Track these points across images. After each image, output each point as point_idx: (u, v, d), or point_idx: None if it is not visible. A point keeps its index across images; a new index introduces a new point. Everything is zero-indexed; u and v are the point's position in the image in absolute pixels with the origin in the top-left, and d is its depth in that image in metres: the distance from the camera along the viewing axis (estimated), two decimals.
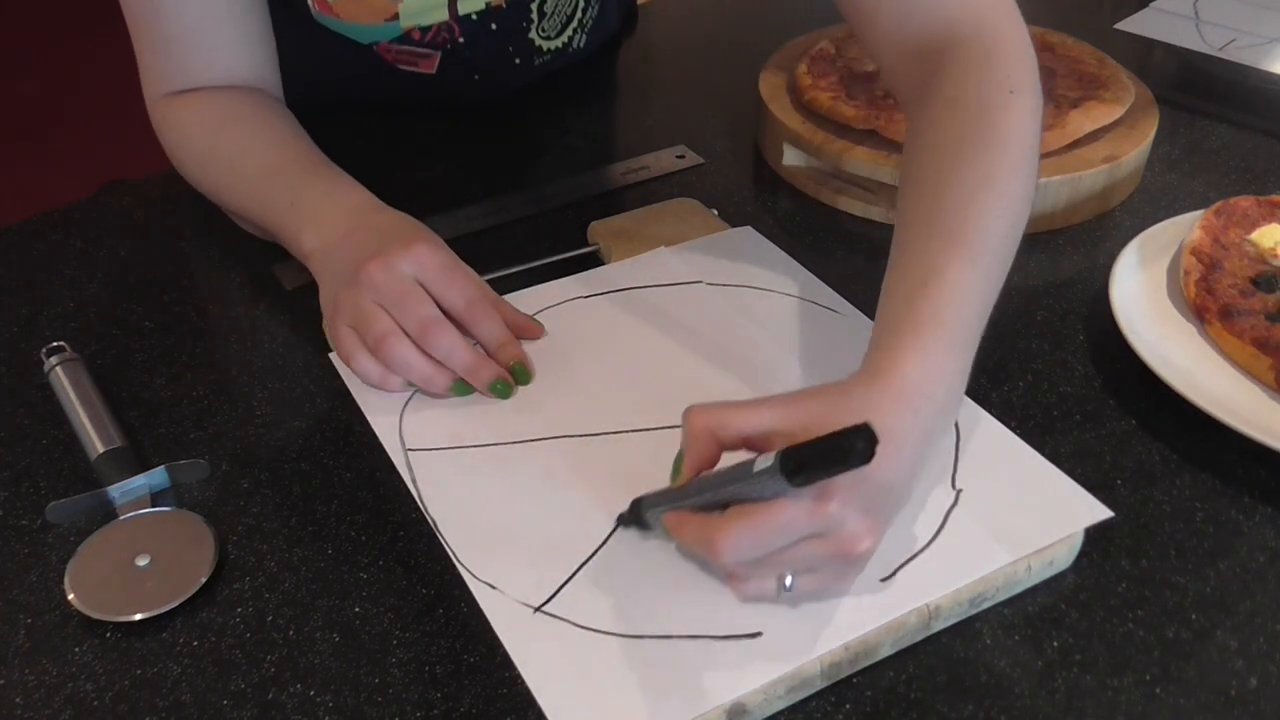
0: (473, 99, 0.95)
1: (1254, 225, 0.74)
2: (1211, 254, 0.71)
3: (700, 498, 0.48)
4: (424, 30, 0.87)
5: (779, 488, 0.43)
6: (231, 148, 0.76)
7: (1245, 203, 0.75)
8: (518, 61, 0.94)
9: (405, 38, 0.87)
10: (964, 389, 0.53)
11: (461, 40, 0.89)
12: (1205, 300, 0.68)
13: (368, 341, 0.61)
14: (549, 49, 0.95)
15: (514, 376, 0.63)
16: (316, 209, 0.69)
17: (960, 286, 0.53)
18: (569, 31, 0.96)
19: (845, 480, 0.44)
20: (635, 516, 0.53)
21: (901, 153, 0.65)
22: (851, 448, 0.41)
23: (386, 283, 0.61)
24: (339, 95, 0.95)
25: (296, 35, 0.84)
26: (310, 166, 0.73)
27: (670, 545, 0.54)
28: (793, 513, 0.45)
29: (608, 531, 0.55)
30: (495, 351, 0.64)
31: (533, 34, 0.92)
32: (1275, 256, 0.72)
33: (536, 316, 0.69)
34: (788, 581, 0.48)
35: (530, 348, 0.67)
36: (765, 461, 0.44)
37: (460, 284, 0.64)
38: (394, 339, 0.61)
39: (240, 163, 0.75)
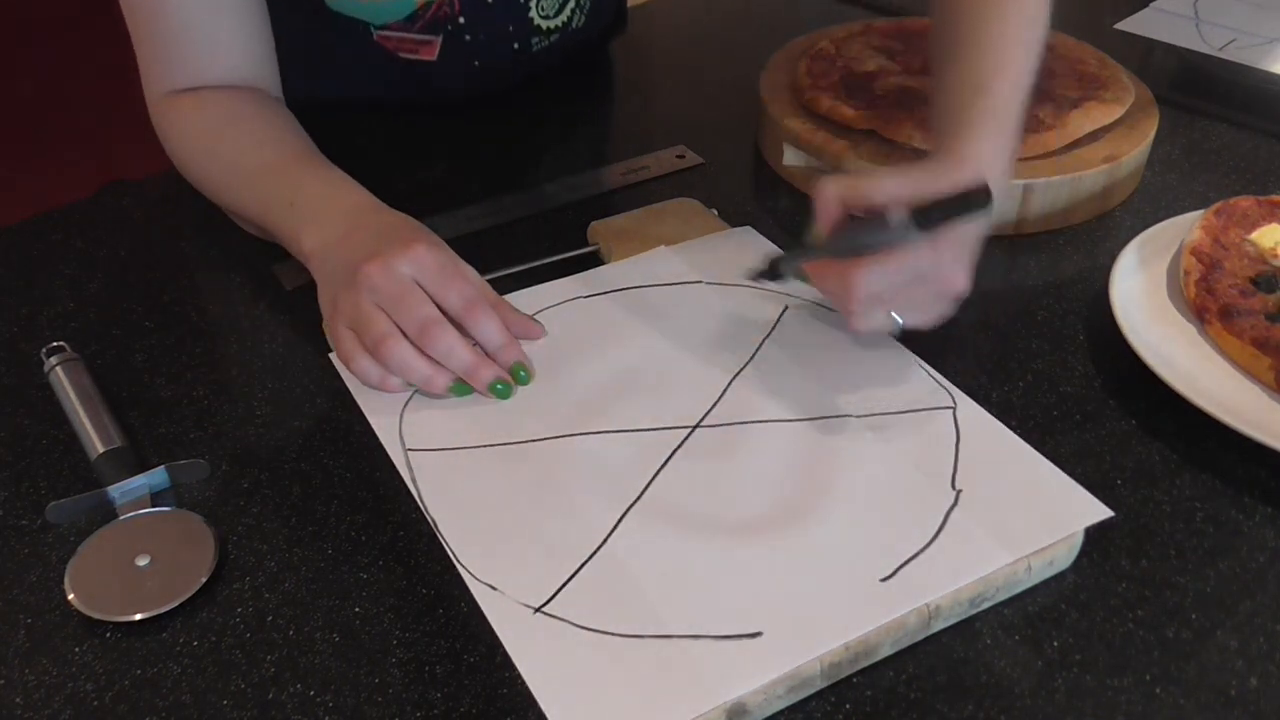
0: (473, 91, 0.95)
1: (1254, 225, 0.74)
2: (1211, 254, 0.71)
3: (834, 249, 0.60)
4: (427, 6, 0.87)
5: (906, 236, 0.56)
6: (232, 147, 0.76)
7: (1245, 203, 0.75)
8: (516, 46, 0.94)
9: (409, 20, 0.87)
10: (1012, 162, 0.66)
11: (462, 21, 0.88)
12: (1205, 300, 0.68)
13: (366, 343, 0.61)
14: (548, 28, 0.95)
15: (513, 377, 0.63)
16: (316, 209, 0.69)
17: (1007, 89, 0.66)
18: (568, 10, 0.95)
19: (951, 233, 0.58)
20: (772, 271, 0.63)
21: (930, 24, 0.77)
22: (975, 200, 0.56)
23: (385, 284, 0.61)
24: (339, 93, 0.95)
25: (297, 32, 0.84)
26: (310, 167, 0.73)
27: (671, 544, 0.54)
28: (914, 256, 0.58)
29: (608, 531, 0.55)
30: (495, 353, 0.64)
31: (532, 12, 0.92)
32: (1275, 256, 0.71)
33: (536, 316, 0.69)
34: (897, 318, 0.61)
35: (530, 348, 0.67)
36: (899, 215, 0.56)
37: (459, 284, 0.63)
38: (392, 340, 0.61)
39: (241, 162, 0.75)
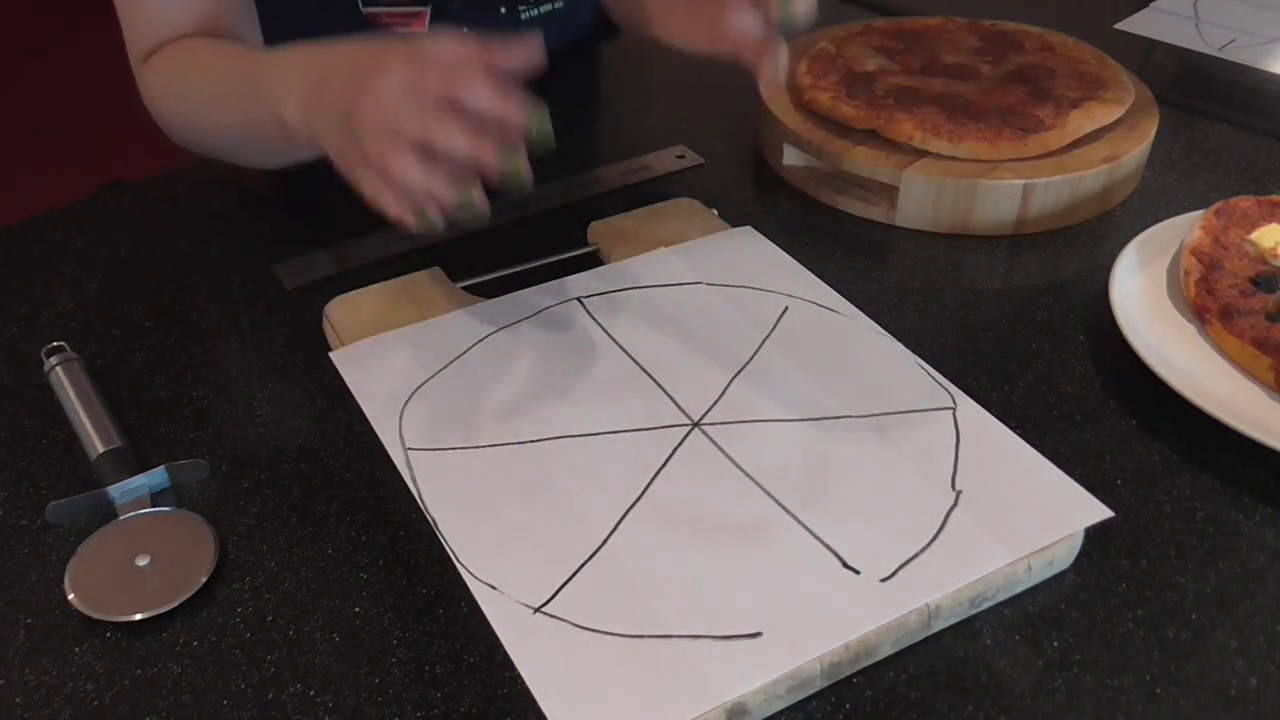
0: None
1: (1254, 225, 0.74)
2: (1211, 254, 0.71)
3: None
4: None
5: None
6: (199, 76, 0.75)
7: (1245, 203, 0.75)
8: (503, 9, 0.94)
9: None
10: None
11: None
12: (1205, 300, 0.68)
13: (378, 175, 0.58)
14: None
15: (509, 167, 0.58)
16: (277, 78, 0.66)
17: None
18: None
19: None
20: None
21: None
22: None
23: (375, 113, 0.57)
24: None
25: (288, 18, 0.84)
26: (263, 53, 0.71)
27: (671, 544, 0.54)
28: None
29: (608, 531, 0.55)
30: (498, 120, 0.58)
31: None
32: (1275, 256, 0.71)
33: (536, 317, 0.69)
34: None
35: (530, 348, 0.66)
36: None
37: (437, 72, 0.57)
38: (393, 157, 0.56)
39: (209, 85, 0.74)
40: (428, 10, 0.89)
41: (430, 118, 0.56)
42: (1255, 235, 0.73)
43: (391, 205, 0.58)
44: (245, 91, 0.69)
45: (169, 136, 0.80)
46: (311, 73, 0.64)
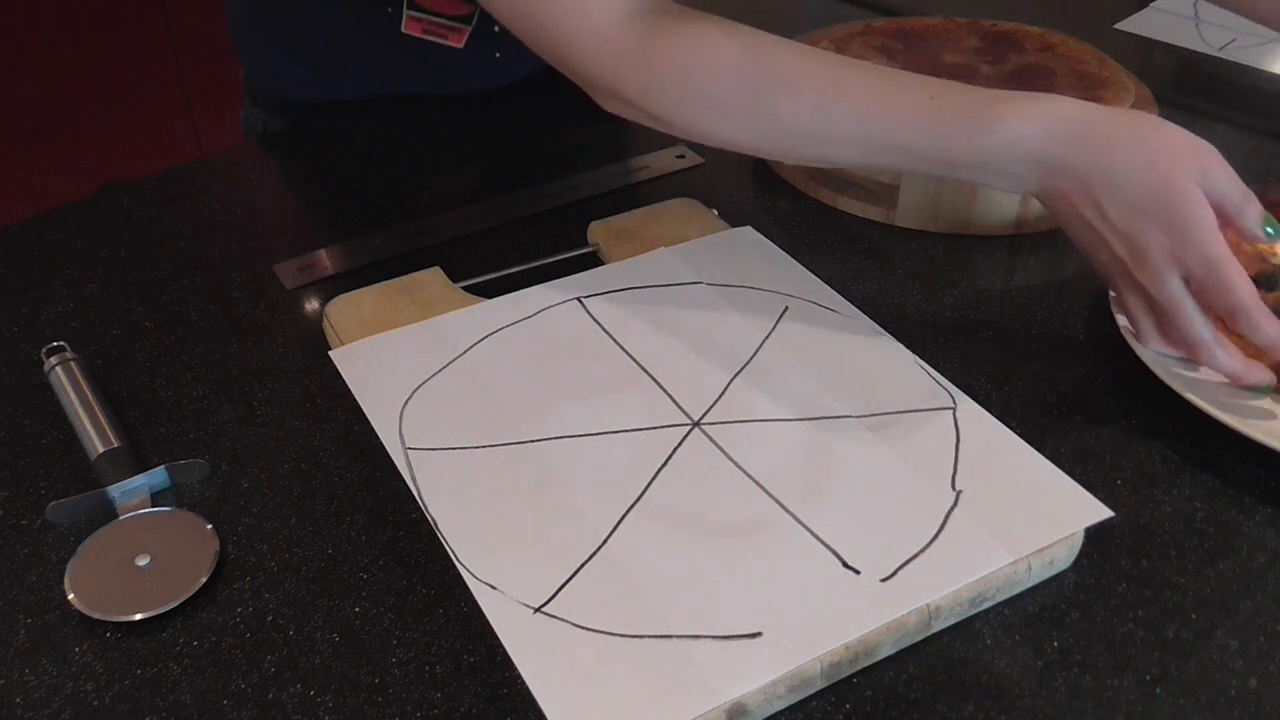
0: (490, 85, 0.95)
1: None
2: None
3: None
4: None
5: None
6: (819, 85, 0.63)
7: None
8: None
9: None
10: None
11: None
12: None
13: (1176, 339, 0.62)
14: None
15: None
16: (1025, 125, 0.61)
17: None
18: None
19: None
20: None
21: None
22: None
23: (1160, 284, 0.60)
24: (356, 97, 0.95)
25: (323, 29, 0.84)
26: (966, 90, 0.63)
27: (671, 544, 0.54)
28: None
29: (608, 531, 0.55)
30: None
31: None
32: (1275, 255, 0.71)
33: (536, 317, 0.69)
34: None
35: (530, 348, 0.67)
36: None
37: (1230, 291, 0.59)
38: (1210, 347, 0.61)
39: (831, 99, 0.63)
40: (469, 28, 0.90)
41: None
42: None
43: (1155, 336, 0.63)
44: (941, 134, 0.62)
45: (676, 132, 0.67)
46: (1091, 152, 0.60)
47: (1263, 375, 0.61)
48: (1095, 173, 0.60)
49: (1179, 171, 0.58)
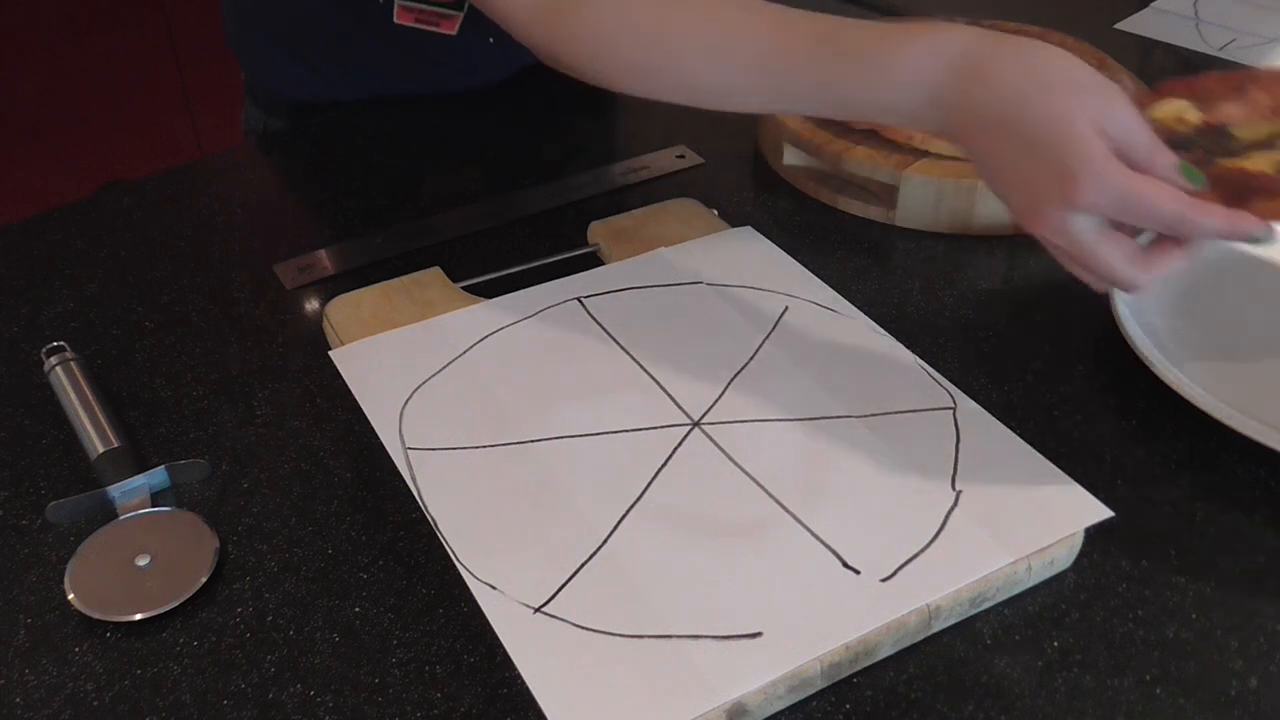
0: (486, 77, 0.95)
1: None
2: None
3: None
4: None
5: None
6: (719, 30, 0.63)
7: (1148, 93, 0.68)
8: None
9: None
10: None
11: None
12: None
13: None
14: None
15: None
16: (902, 66, 0.57)
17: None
18: None
19: None
20: None
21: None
22: None
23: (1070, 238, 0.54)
24: (354, 96, 0.95)
25: (317, 26, 0.84)
26: (845, 27, 0.60)
27: (671, 544, 0.54)
28: None
29: (608, 531, 0.55)
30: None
31: None
32: (1181, 124, 0.64)
33: (536, 316, 0.69)
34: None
35: (530, 348, 0.66)
36: None
37: (1153, 209, 0.52)
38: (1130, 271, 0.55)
39: (730, 42, 0.62)
40: (461, 15, 0.90)
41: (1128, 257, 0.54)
42: (1155, 109, 0.65)
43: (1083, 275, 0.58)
44: (833, 68, 0.59)
45: (588, 78, 0.68)
46: (975, 103, 0.56)
47: (1254, 224, 0.54)
48: (985, 108, 0.55)
49: (1073, 108, 0.53)
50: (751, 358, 0.66)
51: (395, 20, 0.90)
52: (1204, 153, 0.60)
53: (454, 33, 0.90)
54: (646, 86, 0.66)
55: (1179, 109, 0.66)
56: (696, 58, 0.63)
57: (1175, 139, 0.63)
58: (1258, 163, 0.58)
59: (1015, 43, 0.56)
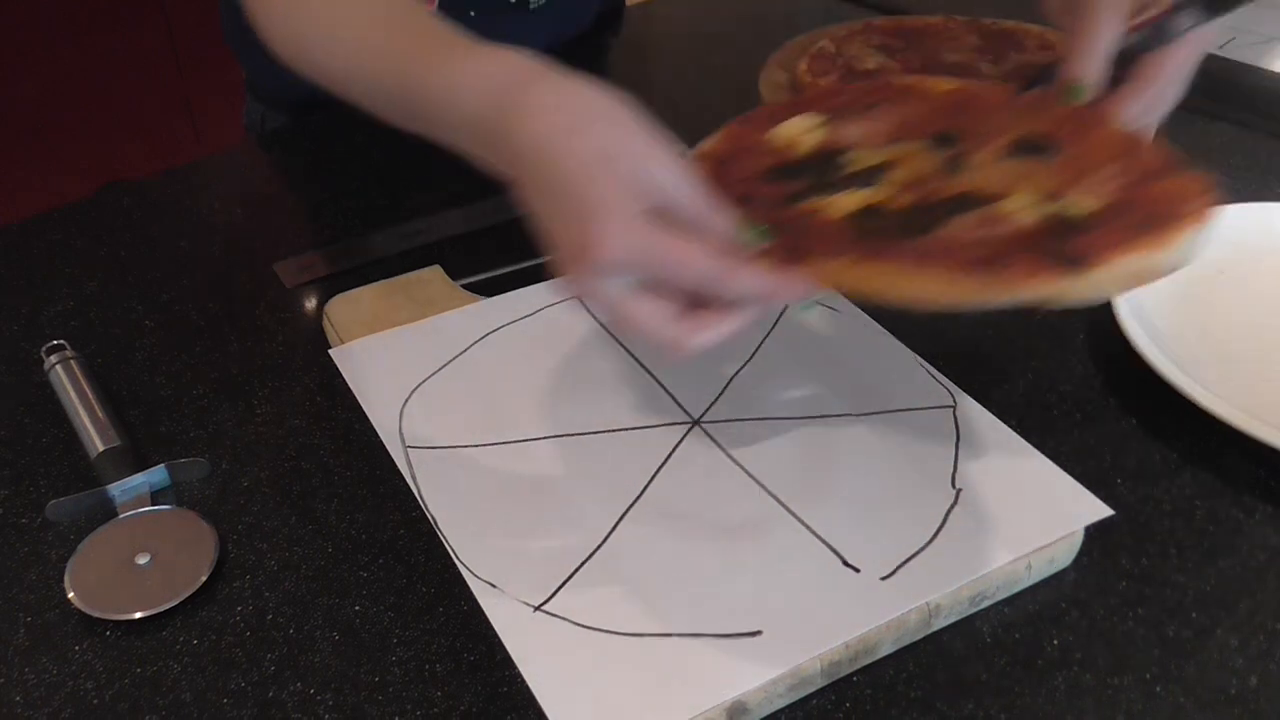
0: None
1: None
2: (723, 153, 0.58)
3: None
4: None
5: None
6: (346, 10, 0.61)
7: (771, 107, 0.62)
8: (512, 0, 0.94)
9: None
10: None
11: None
12: (720, 194, 0.52)
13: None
14: None
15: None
16: (456, 103, 0.53)
17: None
18: None
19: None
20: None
21: None
22: None
23: (602, 292, 0.48)
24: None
25: None
26: (439, 49, 0.56)
27: (671, 542, 0.54)
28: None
29: (608, 529, 0.55)
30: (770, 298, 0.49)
31: None
32: (798, 146, 0.59)
33: (536, 315, 0.69)
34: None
35: (530, 346, 0.66)
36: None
37: (679, 258, 0.46)
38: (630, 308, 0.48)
39: (363, 29, 0.60)
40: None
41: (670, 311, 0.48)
42: (775, 130, 0.60)
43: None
44: (409, 72, 0.56)
45: (272, 48, 0.66)
46: (504, 148, 0.52)
47: (796, 290, 0.47)
48: (514, 149, 0.50)
49: (602, 158, 0.47)
50: (751, 356, 0.66)
51: None
52: (809, 184, 0.55)
53: (433, 9, 0.90)
54: (298, 62, 0.64)
55: (802, 127, 0.60)
56: (338, 56, 0.61)
57: (787, 165, 0.57)
58: (846, 203, 0.52)
59: (560, 79, 0.50)
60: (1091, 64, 0.56)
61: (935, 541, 0.54)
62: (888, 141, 0.57)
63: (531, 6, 0.96)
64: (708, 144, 0.59)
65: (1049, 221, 0.47)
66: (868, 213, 0.50)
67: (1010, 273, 0.44)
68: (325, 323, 0.70)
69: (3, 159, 2.23)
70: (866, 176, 0.54)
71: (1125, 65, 0.57)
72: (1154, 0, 0.57)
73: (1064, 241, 0.45)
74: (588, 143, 0.47)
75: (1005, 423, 0.61)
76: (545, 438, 0.60)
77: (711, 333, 0.48)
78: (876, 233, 0.49)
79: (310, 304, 0.74)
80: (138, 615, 0.53)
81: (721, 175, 0.55)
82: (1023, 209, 0.48)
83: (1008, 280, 0.44)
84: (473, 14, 0.93)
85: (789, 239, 0.49)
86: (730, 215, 0.49)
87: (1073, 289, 0.44)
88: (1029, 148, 0.53)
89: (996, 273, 0.44)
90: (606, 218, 0.46)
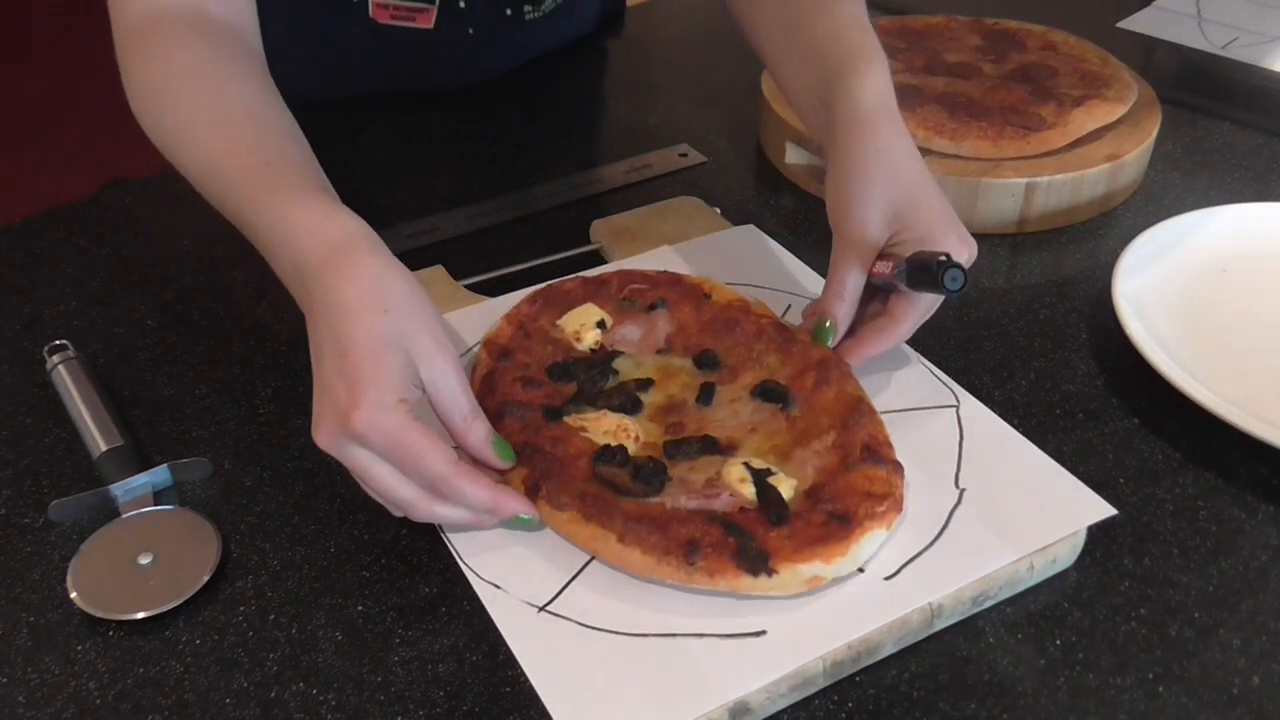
0: (472, 69, 0.95)
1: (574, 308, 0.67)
2: (508, 345, 0.63)
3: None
4: None
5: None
6: (200, 120, 0.64)
7: (570, 284, 0.68)
8: (509, 11, 0.94)
9: None
10: None
11: None
12: (486, 399, 0.59)
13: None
14: None
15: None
16: (285, 252, 0.57)
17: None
18: None
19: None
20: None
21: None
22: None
23: (358, 461, 0.52)
24: (341, 92, 0.95)
25: (294, 26, 0.84)
26: (274, 194, 0.59)
27: None
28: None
29: None
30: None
31: None
32: (579, 341, 0.64)
33: None
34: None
35: None
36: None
37: (417, 462, 0.51)
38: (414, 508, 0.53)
39: (209, 141, 0.63)
40: (434, 8, 0.90)
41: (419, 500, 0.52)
42: (564, 319, 0.66)
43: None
44: (244, 204, 0.60)
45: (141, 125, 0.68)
46: (319, 309, 0.54)
47: (515, 506, 0.53)
48: (318, 305, 0.53)
49: (390, 346, 0.51)
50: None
51: (370, 17, 0.90)
52: (580, 388, 0.61)
53: (431, 26, 0.90)
54: (165, 154, 0.67)
55: (585, 318, 0.65)
56: (176, 143, 0.65)
57: (566, 362, 0.63)
58: (600, 428, 0.58)
59: (372, 260, 0.54)
60: (838, 307, 0.62)
61: (938, 541, 0.54)
62: (656, 351, 0.64)
63: (528, 19, 0.96)
64: (496, 330, 0.65)
65: (756, 505, 0.54)
66: (608, 455, 0.55)
67: (705, 566, 0.50)
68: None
69: (3, 159, 2.23)
70: (629, 395, 0.60)
71: (882, 298, 0.63)
72: (905, 239, 0.61)
73: (762, 535, 0.52)
74: (375, 328, 0.52)
75: (1008, 422, 0.61)
76: None
77: (445, 512, 0.53)
78: (609, 483, 0.55)
79: None
80: (140, 615, 0.53)
81: (503, 370, 0.61)
82: (742, 480, 0.55)
83: (701, 573, 0.50)
84: (471, 31, 0.93)
85: (532, 469, 0.55)
86: (484, 428, 0.55)
87: (755, 588, 0.50)
88: (771, 394, 0.60)
89: (692, 564, 0.50)
90: (369, 396, 0.50)
